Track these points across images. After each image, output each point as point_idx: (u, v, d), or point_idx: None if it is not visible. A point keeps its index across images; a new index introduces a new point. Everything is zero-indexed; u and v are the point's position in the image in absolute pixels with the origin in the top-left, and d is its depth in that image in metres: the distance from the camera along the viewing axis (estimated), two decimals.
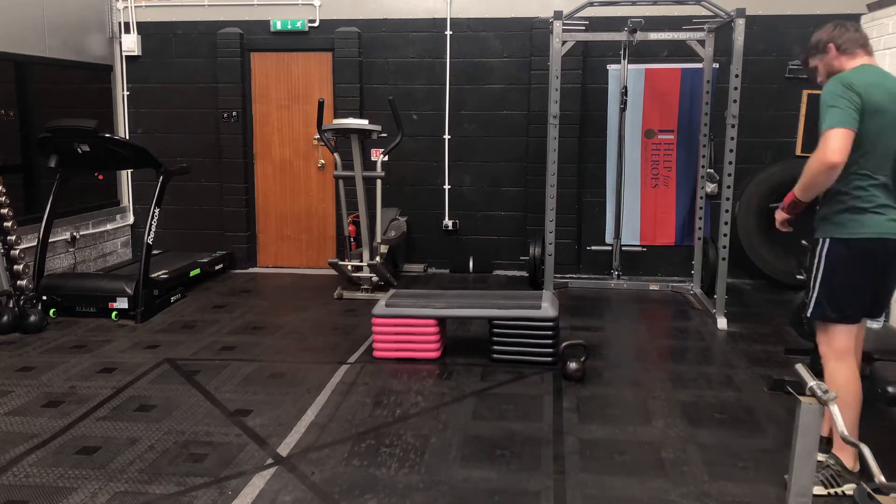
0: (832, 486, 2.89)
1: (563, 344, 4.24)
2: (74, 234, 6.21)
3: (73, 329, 5.08)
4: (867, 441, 2.63)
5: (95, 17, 6.67)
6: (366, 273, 5.93)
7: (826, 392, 2.49)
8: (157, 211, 5.52)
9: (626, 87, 6.06)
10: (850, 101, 2.75)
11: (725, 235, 5.19)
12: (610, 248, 6.49)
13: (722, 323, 5.13)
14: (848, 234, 2.85)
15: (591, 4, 5.52)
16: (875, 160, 2.83)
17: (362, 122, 5.71)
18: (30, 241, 5.49)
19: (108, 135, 5.60)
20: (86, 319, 5.27)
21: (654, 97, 6.38)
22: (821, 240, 2.93)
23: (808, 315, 2.97)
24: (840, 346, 2.92)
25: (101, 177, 6.63)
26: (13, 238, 5.22)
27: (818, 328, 2.99)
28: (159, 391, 3.97)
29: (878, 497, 2.62)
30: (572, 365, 4.12)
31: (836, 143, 2.73)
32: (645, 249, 6.59)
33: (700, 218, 6.08)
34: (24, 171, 5.79)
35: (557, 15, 5.37)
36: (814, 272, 2.95)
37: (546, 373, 4.22)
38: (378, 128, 5.70)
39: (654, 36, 5.68)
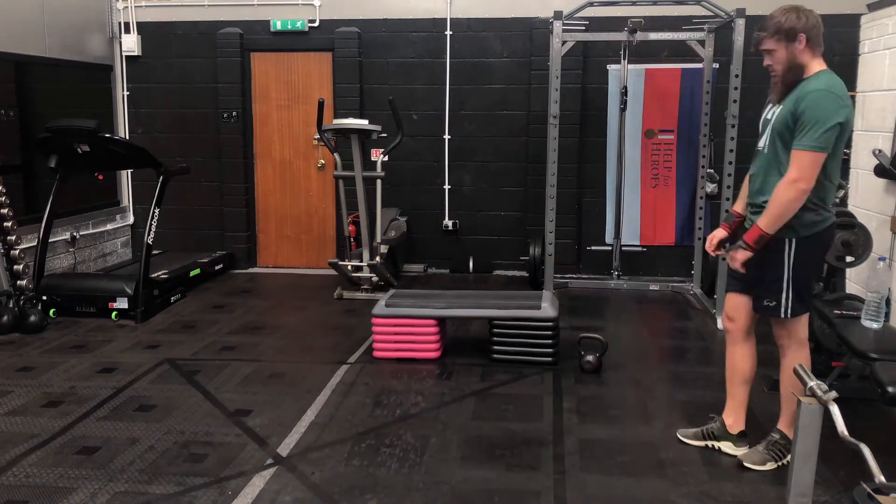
0: (781, 459, 3.07)
1: (581, 336, 4.32)
2: (74, 234, 6.21)
3: (73, 329, 5.08)
4: (867, 441, 2.63)
5: (95, 17, 6.67)
6: (366, 273, 5.93)
7: (826, 392, 2.50)
8: (157, 211, 5.52)
9: (626, 87, 6.07)
10: (840, 123, 2.78)
11: None
12: (610, 248, 6.49)
13: (722, 323, 5.13)
14: (812, 231, 2.90)
15: (591, 4, 5.52)
16: (835, 165, 2.90)
17: (362, 122, 5.71)
18: (30, 241, 5.49)
19: (107, 135, 5.59)
20: (86, 319, 5.27)
21: (654, 97, 6.38)
22: (787, 241, 2.91)
23: (787, 316, 2.97)
24: (803, 335, 3.05)
25: (101, 177, 6.62)
26: (13, 238, 5.22)
27: (779, 324, 3.03)
28: (159, 391, 3.97)
29: (878, 497, 2.62)
30: (588, 357, 4.17)
31: (814, 170, 2.77)
32: (645, 249, 6.59)
33: (700, 218, 6.08)
34: (24, 171, 5.79)
35: (557, 15, 5.38)
36: (782, 274, 2.93)
37: (546, 373, 4.22)
38: (378, 128, 5.70)
39: (654, 36, 5.68)
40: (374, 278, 5.99)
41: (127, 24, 6.84)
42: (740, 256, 2.98)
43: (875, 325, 3.48)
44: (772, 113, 2.98)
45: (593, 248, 6.64)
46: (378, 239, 5.93)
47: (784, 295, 2.93)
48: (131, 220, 7.12)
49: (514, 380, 4.13)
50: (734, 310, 3.18)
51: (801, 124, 2.79)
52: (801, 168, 2.76)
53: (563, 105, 5.65)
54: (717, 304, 5.22)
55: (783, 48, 2.93)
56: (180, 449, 3.29)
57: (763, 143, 3.01)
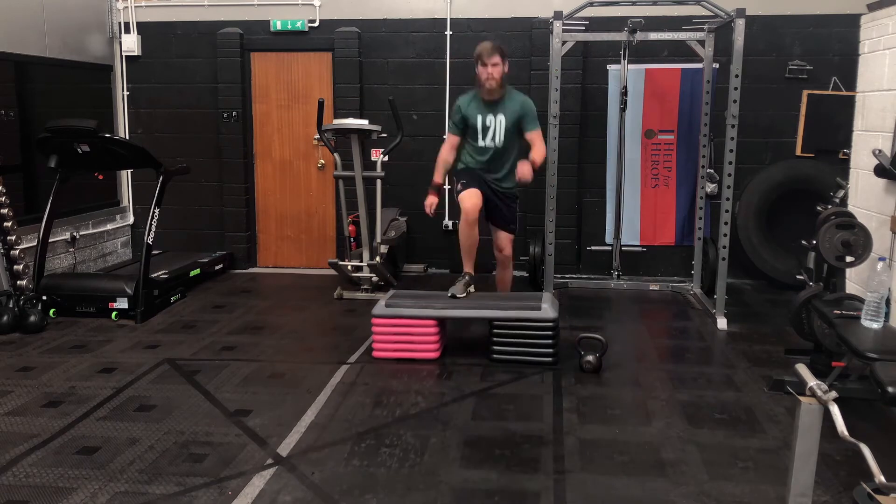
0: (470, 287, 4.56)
1: (580, 336, 4.32)
2: (74, 234, 6.21)
3: (73, 329, 5.08)
4: (867, 441, 2.64)
5: (95, 17, 6.67)
6: (366, 273, 5.93)
7: (826, 392, 2.50)
8: (157, 211, 5.52)
9: (626, 87, 6.07)
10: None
11: (725, 235, 5.19)
12: (610, 248, 6.49)
13: (722, 323, 5.13)
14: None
15: (591, 4, 5.52)
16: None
17: (362, 122, 5.71)
18: (30, 241, 5.49)
19: (107, 135, 5.59)
20: (86, 319, 5.27)
21: (654, 97, 6.38)
22: (516, 192, 4.82)
23: (515, 232, 4.89)
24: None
25: (100, 177, 6.63)
26: (13, 238, 5.22)
27: (510, 241, 4.85)
28: (159, 391, 3.97)
29: (878, 497, 2.62)
30: (589, 357, 4.18)
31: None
32: (645, 249, 6.59)
33: (700, 218, 6.08)
34: (24, 171, 5.79)
35: (557, 15, 5.37)
36: (517, 212, 4.90)
37: (546, 373, 4.22)
38: (378, 128, 5.70)
39: (654, 36, 5.68)
40: (374, 278, 5.99)
41: (127, 24, 6.84)
42: (531, 171, 4.43)
43: (875, 325, 3.48)
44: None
45: (593, 248, 6.64)
46: (378, 239, 5.93)
47: (516, 221, 4.91)
48: (131, 220, 7.12)
49: (514, 380, 4.13)
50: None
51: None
52: (541, 141, 4.69)
53: (563, 105, 5.65)
54: (717, 304, 5.22)
55: (505, 67, 4.59)
56: (180, 449, 3.29)
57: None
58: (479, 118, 4.61)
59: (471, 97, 4.70)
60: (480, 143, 4.65)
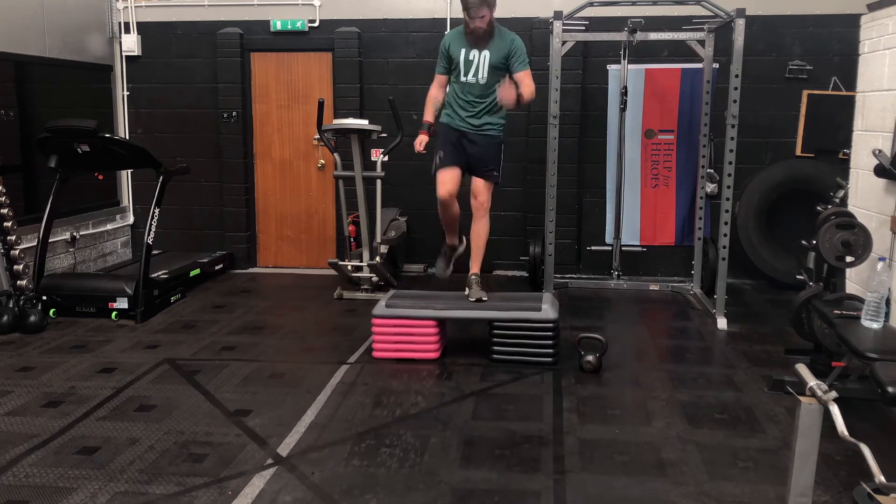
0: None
1: (580, 336, 4.32)
2: (74, 234, 6.21)
3: (73, 329, 5.08)
4: (867, 441, 2.64)
5: (95, 17, 6.67)
6: (366, 273, 5.93)
7: (826, 392, 2.50)
8: (157, 211, 5.52)
9: (626, 87, 6.06)
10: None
11: (725, 235, 5.19)
12: (610, 248, 6.49)
13: (722, 323, 5.13)
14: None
15: (591, 4, 5.52)
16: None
17: (362, 122, 5.71)
18: (30, 241, 5.49)
19: (107, 135, 5.59)
20: (86, 319, 5.27)
21: (654, 97, 6.38)
22: (501, 136, 4.67)
23: (496, 179, 4.67)
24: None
25: (100, 177, 6.62)
26: (13, 238, 5.22)
27: (489, 189, 4.66)
28: (159, 391, 3.97)
29: (878, 497, 2.62)
30: (589, 357, 4.18)
31: None
32: (645, 249, 6.59)
33: (700, 218, 6.08)
34: (24, 171, 5.79)
35: (557, 15, 5.38)
36: (500, 157, 4.68)
37: (546, 373, 4.22)
38: (378, 128, 5.70)
39: (654, 36, 5.68)
40: (374, 278, 5.99)
41: (127, 24, 6.84)
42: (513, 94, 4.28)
43: (875, 325, 3.48)
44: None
45: (593, 248, 6.64)
46: (378, 239, 5.93)
47: (499, 170, 4.69)
48: (131, 220, 7.12)
49: (514, 380, 4.13)
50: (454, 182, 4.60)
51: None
52: (530, 80, 4.52)
53: (563, 105, 5.65)
54: (717, 304, 5.22)
55: (490, 14, 4.37)
56: (180, 449, 3.29)
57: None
58: (463, 52, 4.50)
59: (456, 33, 4.61)
60: (463, 78, 4.54)
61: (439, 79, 4.70)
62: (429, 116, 4.70)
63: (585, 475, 3.06)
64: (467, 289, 4.61)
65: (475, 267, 4.74)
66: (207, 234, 7.04)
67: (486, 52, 4.47)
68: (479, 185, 4.66)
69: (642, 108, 6.40)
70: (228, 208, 6.98)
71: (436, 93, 4.70)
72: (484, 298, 4.50)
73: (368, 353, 4.53)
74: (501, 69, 4.47)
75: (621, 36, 5.71)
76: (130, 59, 6.91)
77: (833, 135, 6.08)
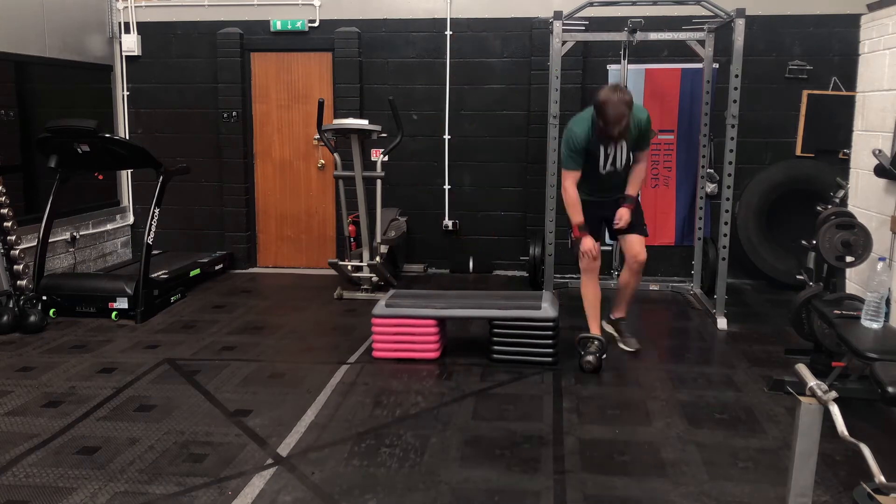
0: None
1: (580, 336, 4.33)
2: (74, 234, 6.21)
3: (73, 329, 5.08)
4: (867, 441, 2.64)
5: (95, 17, 6.67)
6: (366, 273, 5.93)
7: (826, 392, 2.50)
8: (157, 211, 5.52)
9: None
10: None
11: (725, 235, 5.19)
12: (610, 248, 6.49)
13: (722, 323, 5.13)
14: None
15: (591, 4, 5.52)
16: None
17: (362, 122, 5.71)
18: (30, 241, 5.49)
19: (107, 135, 5.59)
20: (86, 319, 5.27)
21: (654, 97, 6.38)
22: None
23: (646, 234, 4.67)
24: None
25: (100, 177, 6.63)
26: (13, 238, 5.22)
27: (643, 243, 4.58)
28: (159, 391, 3.97)
29: (878, 497, 2.62)
30: (588, 357, 4.19)
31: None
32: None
33: (700, 218, 6.08)
34: (24, 171, 5.79)
35: (557, 15, 5.37)
36: (642, 214, 4.63)
37: (546, 373, 4.22)
38: (378, 128, 5.70)
39: (654, 36, 5.68)
40: (374, 278, 5.99)
41: (127, 24, 6.84)
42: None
43: (875, 325, 3.48)
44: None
45: None
46: (378, 239, 5.93)
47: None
48: (131, 220, 7.12)
49: (514, 380, 4.13)
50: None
51: None
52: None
53: (563, 105, 5.64)
54: (717, 304, 5.22)
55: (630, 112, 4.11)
56: (180, 449, 3.29)
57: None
58: (602, 148, 4.26)
59: (584, 125, 4.25)
60: (602, 170, 4.35)
61: (574, 175, 4.35)
62: (581, 217, 4.40)
63: (585, 475, 3.06)
64: (618, 335, 4.68)
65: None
66: (207, 234, 7.04)
67: (622, 142, 4.24)
68: (638, 243, 4.58)
69: None
70: (228, 208, 6.98)
71: (574, 192, 4.38)
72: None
73: (368, 353, 4.53)
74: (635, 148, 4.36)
75: (621, 36, 5.70)
76: (130, 59, 6.91)
77: (833, 135, 6.08)
